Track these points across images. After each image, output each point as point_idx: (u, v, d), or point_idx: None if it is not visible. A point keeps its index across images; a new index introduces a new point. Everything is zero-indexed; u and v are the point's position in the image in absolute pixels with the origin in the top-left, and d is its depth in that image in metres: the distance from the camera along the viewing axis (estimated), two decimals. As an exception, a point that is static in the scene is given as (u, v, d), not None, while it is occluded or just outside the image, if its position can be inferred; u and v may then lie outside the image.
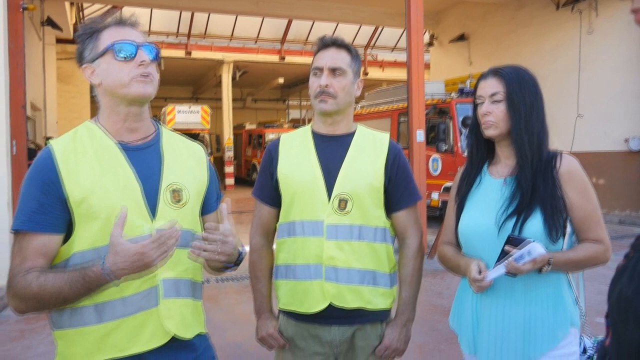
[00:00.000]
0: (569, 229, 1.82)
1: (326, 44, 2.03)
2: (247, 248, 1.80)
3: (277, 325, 2.10)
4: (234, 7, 14.81)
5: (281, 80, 23.46)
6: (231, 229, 1.55)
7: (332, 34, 3.02)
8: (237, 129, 24.69)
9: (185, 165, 1.67)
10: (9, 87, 6.13)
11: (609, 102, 11.62)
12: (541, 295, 1.80)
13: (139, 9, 15.59)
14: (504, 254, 1.72)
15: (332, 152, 2.03)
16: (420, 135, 8.05)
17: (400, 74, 20.03)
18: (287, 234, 2.04)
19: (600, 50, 11.83)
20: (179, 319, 1.55)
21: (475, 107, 1.92)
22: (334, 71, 1.98)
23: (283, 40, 20.92)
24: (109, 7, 15.30)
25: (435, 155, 10.60)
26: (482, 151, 1.97)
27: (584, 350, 1.84)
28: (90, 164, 1.50)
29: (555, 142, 1.92)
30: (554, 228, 1.75)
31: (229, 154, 20.62)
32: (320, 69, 1.99)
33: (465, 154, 2.07)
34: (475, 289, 1.80)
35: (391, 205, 2.05)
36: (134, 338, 1.49)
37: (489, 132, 1.86)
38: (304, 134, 2.11)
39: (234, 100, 22.33)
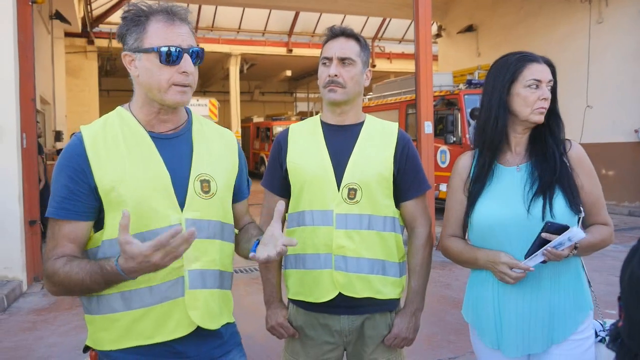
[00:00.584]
0: None
1: (335, 33, 2.02)
2: None
3: (287, 314, 2.12)
4: (241, 0, 14.80)
5: (289, 73, 23.45)
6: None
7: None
8: (245, 122, 24.71)
9: (216, 154, 1.65)
10: (19, 80, 6.11)
11: (619, 93, 11.52)
12: (565, 282, 1.84)
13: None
14: (539, 241, 1.69)
15: (341, 141, 2.03)
16: (428, 127, 8.03)
17: (408, 66, 19.94)
18: (296, 223, 2.05)
19: (610, 40, 11.72)
20: (204, 309, 1.55)
21: (504, 95, 1.88)
22: (343, 61, 1.98)
23: (290, 33, 20.89)
24: (117, 0, 15.32)
25: (444, 147, 10.56)
26: (498, 141, 1.91)
27: (595, 334, 1.88)
28: (120, 153, 1.49)
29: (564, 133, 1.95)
30: (574, 204, 1.80)
31: (237, 146, 20.63)
32: (330, 59, 1.99)
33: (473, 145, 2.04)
34: (508, 280, 1.77)
35: (400, 194, 2.05)
36: (160, 327, 1.50)
37: (540, 118, 1.86)
38: (313, 123, 2.12)
39: (241, 93, 22.33)
